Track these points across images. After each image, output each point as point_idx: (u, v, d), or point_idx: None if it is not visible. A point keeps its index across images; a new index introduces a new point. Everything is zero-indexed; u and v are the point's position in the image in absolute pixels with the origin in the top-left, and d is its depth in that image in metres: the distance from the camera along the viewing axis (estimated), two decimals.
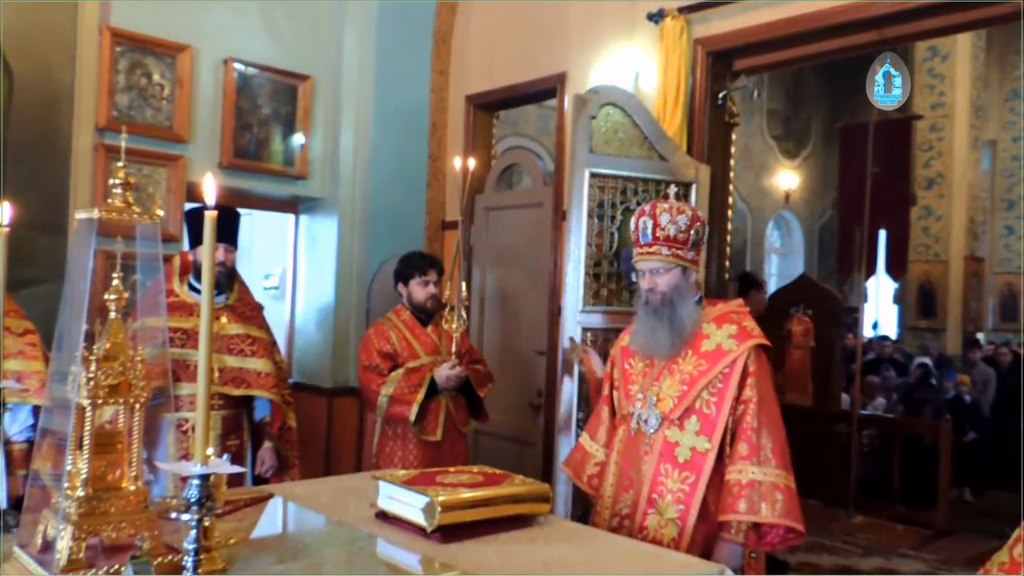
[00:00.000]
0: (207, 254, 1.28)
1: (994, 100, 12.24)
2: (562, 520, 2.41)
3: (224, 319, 3.42)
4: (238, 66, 4.93)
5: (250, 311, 3.54)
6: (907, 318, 12.48)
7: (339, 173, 5.36)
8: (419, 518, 1.94)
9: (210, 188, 1.30)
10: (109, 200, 1.59)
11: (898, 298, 12.75)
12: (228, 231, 3.43)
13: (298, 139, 5.22)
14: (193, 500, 1.31)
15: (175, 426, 3.23)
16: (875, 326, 12.66)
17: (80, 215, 1.60)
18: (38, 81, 4.23)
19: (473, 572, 1.71)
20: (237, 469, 1.47)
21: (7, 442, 2.96)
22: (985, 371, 9.87)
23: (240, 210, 5.98)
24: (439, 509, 1.90)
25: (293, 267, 5.71)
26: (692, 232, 2.54)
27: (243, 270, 4.67)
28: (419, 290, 3.91)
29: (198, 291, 3.42)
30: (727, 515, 2.35)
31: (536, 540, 2.00)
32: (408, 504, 1.99)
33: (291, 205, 5.59)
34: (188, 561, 1.34)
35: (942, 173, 11.47)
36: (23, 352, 3.11)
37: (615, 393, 2.75)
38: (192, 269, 3.42)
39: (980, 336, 11.72)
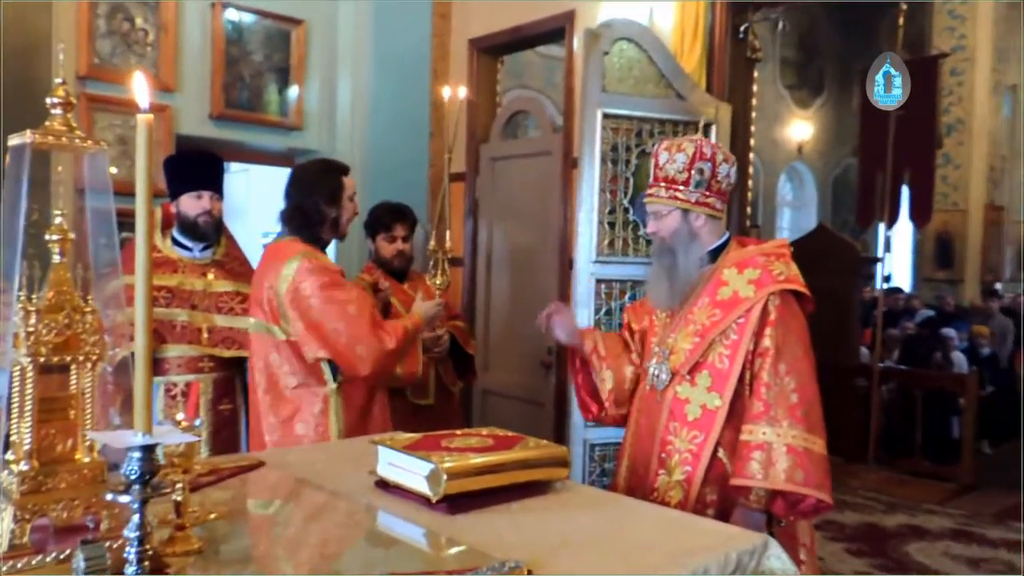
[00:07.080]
0: (140, 165, 1.03)
1: (1017, 43, 11.80)
2: (581, 486, 2.19)
3: (211, 275, 3.17)
4: (227, 10, 4.65)
5: (239, 266, 3.29)
6: (923, 269, 12.19)
7: (336, 124, 5.14)
8: (423, 487, 1.73)
9: (140, 87, 1.05)
10: (47, 123, 1.34)
11: (915, 249, 12.46)
12: (212, 177, 3.16)
13: (293, 89, 4.96)
14: (134, 477, 1.04)
15: (163, 390, 3.03)
16: (888, 279, 12.41)
17: (13, 140, 1.37)
18: (13, 28, 3.96)
19: (483, 546, 1.50)
20: (189, 438, 1.25)
21: None
22: (1004, 322, 9.60)
23: (235, 164, 5.81)
24: (445, 477, 1.69)
25: None
26: (694, 171, 2.27)
27: (240, 227, 4.44)
28: (385, 246, 3.65)
29: (183, 246, 3.18)
30: (736, 479, 2.13)
31: (552, 509, 1.79)
32: (411, 471, 1.78)
33: (287, 159, 5.34)
34: (130, 553, 1.09)
35: (962, 119, 11.11)
36: None
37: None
38: (176, 222, 3.17)
39: (998, 286, 11.42)
